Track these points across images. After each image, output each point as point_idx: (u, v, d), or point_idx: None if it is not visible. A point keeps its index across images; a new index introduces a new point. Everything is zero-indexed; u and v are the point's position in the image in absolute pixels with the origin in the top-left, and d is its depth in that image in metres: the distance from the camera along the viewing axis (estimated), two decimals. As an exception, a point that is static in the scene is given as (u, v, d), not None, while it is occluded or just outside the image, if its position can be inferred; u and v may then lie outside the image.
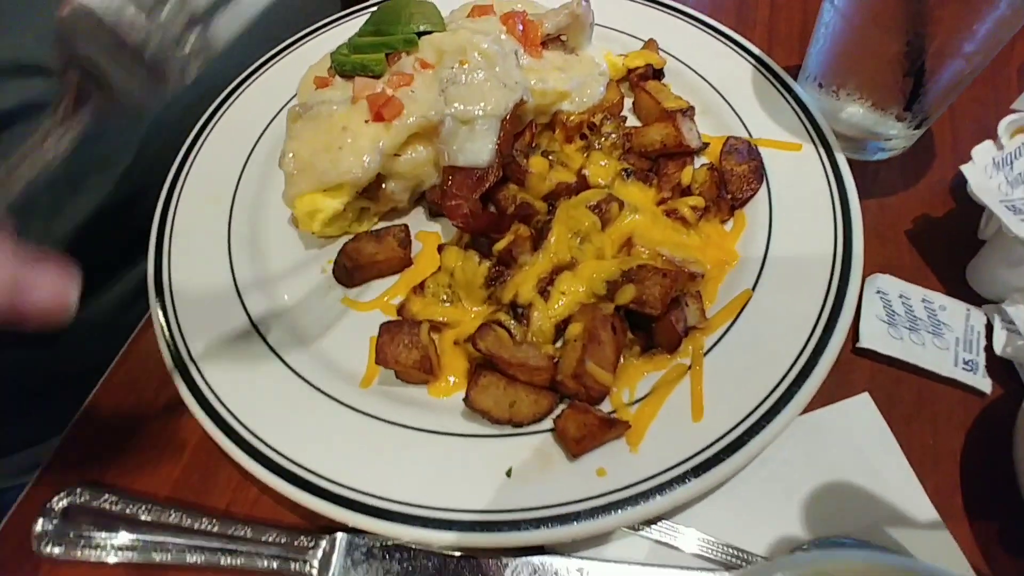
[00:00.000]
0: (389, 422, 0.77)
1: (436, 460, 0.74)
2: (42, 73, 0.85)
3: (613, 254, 0.85)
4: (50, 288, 0.52)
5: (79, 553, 0.71)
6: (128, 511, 0.74)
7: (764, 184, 0.93)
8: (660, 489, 0.68)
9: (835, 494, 0.73)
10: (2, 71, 0.85)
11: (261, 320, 0.86)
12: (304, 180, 0.89)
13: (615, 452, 0.72)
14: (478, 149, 0.88)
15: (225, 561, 0.70)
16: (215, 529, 0.72)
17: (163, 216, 0.96)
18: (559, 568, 0.68)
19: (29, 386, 1.05)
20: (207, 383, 0.79)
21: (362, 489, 0.71)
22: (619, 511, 0.67)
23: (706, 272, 0.85)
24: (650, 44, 1.10)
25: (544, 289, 0.81)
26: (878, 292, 0.86)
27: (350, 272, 0.90)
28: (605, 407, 0.76)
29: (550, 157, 0.96)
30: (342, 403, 0.79)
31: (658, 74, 1.08)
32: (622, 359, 0.79)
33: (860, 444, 0.76)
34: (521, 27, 0.99)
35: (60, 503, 0.74)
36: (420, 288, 0.87)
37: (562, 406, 0.76)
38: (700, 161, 0.97)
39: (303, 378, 0.81)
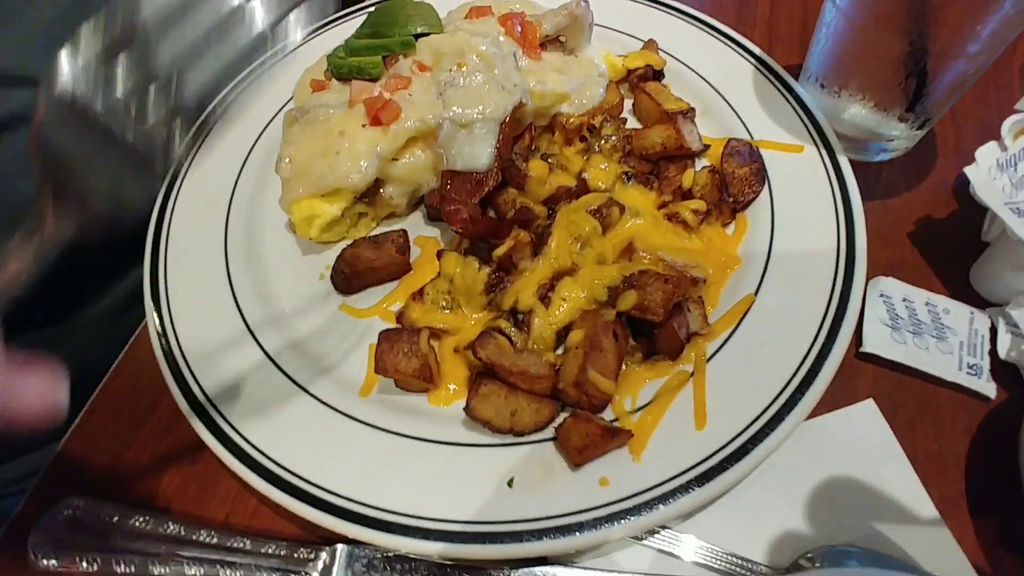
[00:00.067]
0: (389, 431, 0.76)
1: (436, 470, 0.73)
2: (23, 84, 0.83)
3: (614, 259, 0.84)
4: (38, 392, 0.51)
5: (76, 565, 0.70)
6: (125, 522, 0.73)
7: (766, 186, 0.92)
8: (664, 499, 0.67)
9: (839, 501, 0.73)
10: None
11: (258, 328, 0.86)
12: (301, 185, 0.88)
13: (618, 461, 0.71)
14: (477, 153, 0.87)
15: (224, 573, 0.69)
16: (214, 541, 0.72)
17: (158, 223, 0.95)
18: (561, 579, 0.68)
19: None
20: (204, 393, 0.79)
21: (362, 500, 0.70)
22: (622, 521, 0.66)
23: (708, 277, 0.84)
24: (650, 44, 1.09)
25: (545, 295, 0.80)
26: (881, 295, 0.85)
27: (348, 279, 0.89)
28: (607, 415, 0.75)
29: (550, 160, 0.95)
30: (341, 412, 0.78)
31: (658, 75, 1.07)
32: (624, 366, 0.78)
33: (864, 450, 0.76)
34: (519, 28, 0.98)
35: (57, 514, 0.73)
36: (419, 294, 0.86)
37: (564, 414, 0.75)
38: (701, 163, 0.97)
39: (302, 387, 0.80)
